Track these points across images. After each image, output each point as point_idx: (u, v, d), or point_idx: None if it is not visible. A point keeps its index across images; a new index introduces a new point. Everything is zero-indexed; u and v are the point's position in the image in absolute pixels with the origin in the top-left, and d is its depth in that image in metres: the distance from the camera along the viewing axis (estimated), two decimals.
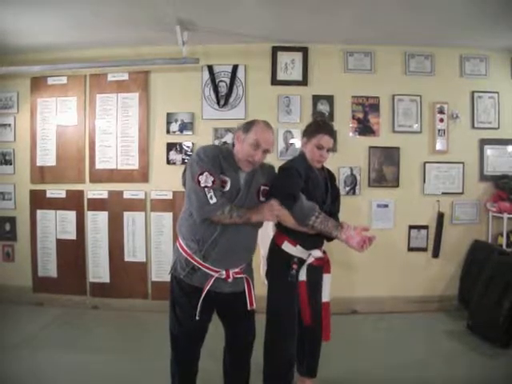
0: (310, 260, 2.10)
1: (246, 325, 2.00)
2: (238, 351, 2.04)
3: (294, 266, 2.08)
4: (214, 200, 1.73)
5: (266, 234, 3.46)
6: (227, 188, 1.83)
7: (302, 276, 2.09)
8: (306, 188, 2.06)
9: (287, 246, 2.10)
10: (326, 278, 2.21)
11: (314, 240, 2.12)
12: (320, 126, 2.15)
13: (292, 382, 2.17)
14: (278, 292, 2.11)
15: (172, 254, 1.99)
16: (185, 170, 1.89)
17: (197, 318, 1.81)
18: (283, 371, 2.12)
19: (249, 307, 1.92)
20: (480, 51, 3.70)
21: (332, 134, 2.14)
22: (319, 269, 2.18)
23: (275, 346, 2.12)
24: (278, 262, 2.13)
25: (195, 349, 1.95)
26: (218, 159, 1.82)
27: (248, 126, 1.87)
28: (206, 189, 1.73)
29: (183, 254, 1.87)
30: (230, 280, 1.86)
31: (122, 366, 2.65)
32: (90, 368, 2.62)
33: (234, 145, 1.94)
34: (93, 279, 3.80)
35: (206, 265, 1.83)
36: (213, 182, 1.75)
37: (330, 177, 2.28)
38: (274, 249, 2.18)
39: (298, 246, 2.09)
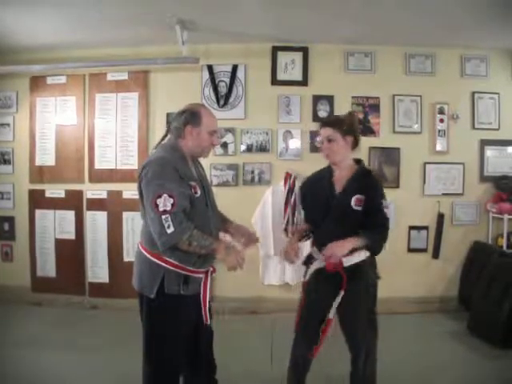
0: (321, 262, 1.97)
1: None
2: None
3: (309, 266, 2.05)
4: (171, 229, 1.58)
5: (270, 235, 3.47)
6: (199, 193, 1.74)
7: (307, 276, 2.08)
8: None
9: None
10: (340, 295, 1.94)
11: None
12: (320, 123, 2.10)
13: None
14: (303, 292, 2.09)
15: (146, 274, 1.79)
16: (140, 182, 1.75)
17: (208, 322, 1.80)
18: (294, 373, 2.11)
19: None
20: (481, 52, 3.69)
21: (327, 123, 1.99)
22: (336, 281, 1.91)
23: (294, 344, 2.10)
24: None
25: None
26: (177, 170, 1.67)
27: (194, 118, 1.77)
28: (163, 216, 1.58)
29: (170, 267, 1.71)
30: (214, 274, 1.89)
31: (121, 366, 2.62)
32: (88, 368, 2.61)
33: (174, 143, 1.85)
34: (92, 279, 3.79)
35: (200, 269, 1.77)
36: (172, 204, 1.59)
37: None
38: None
39: (314, 248, 2.06)
